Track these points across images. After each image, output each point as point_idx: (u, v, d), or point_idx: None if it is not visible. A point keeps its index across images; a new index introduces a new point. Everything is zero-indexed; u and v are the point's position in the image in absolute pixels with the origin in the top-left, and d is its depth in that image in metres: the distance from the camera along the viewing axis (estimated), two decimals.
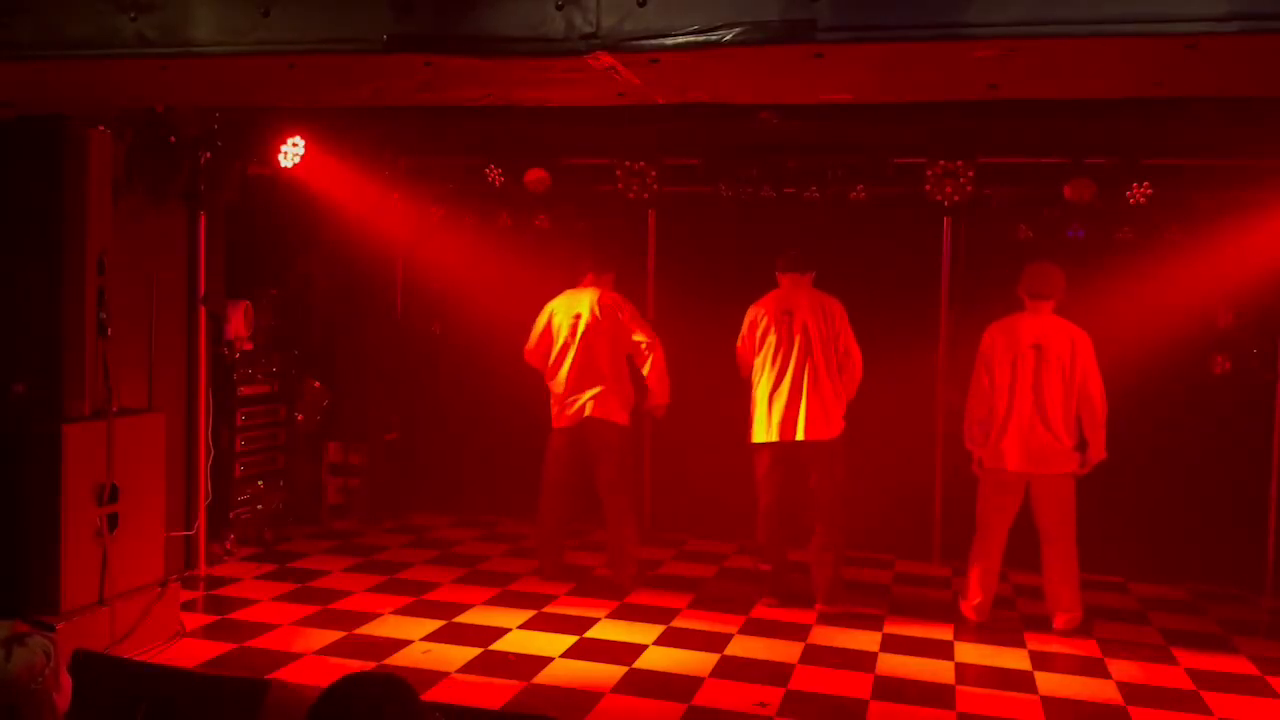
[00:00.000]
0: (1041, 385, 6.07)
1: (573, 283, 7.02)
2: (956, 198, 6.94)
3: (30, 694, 2.48)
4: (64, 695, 2.61)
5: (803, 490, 6.50)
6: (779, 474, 6.50)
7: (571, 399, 6.82)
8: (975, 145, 6.93)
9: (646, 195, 7.50)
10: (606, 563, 7.11)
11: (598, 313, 6.80)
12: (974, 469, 6.29)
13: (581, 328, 6.80)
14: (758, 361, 6.50)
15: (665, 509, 7.59)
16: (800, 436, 6.35)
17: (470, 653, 5.61)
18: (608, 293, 6.91)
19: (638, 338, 6.81)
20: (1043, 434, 6.05)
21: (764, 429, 6.44)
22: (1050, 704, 5.18)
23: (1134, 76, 3.92)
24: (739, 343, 6.61)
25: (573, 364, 6.80)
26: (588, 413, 6.77)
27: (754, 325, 6.54)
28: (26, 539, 5.13)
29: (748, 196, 7.32)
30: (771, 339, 6.46)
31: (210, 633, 5.84)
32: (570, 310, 6.87)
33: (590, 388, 6.77)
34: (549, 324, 6.92)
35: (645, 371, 6.83)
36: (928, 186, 6.94)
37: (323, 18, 3.63)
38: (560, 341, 6.85)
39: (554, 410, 6.91)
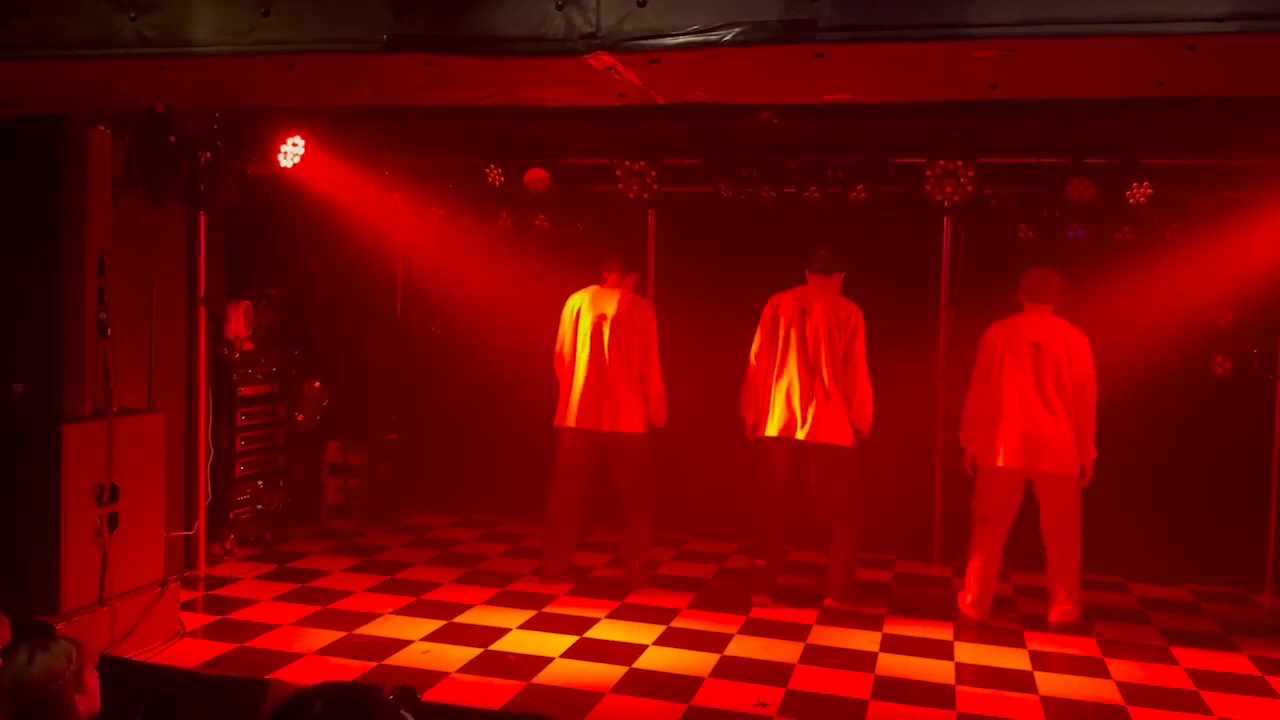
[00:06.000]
0: (1041, 383, 6.08)
1: (584, 280, 6.95)
2: (956, 198, 6.93)
3: (49, 696, 2.54)
4: (91, 697, 2.67)
5: (809, 490, 6.50)
6: (780, 470, 6.49)
7: (587, 401, 6.72)
8: (975, 145, 6.91)
9: (646, 195, 7.47)
10: (616, 561, 7.09)
11: (621, 316, 6.72)
12: (966, 467, 6.31)
13: (606, 329, 6.70)
14: (773, 353, 6.47)
15: (665, 509, 7.58)
16: (802, 436, 6.35)
17: (470, 653, 5.61)
18: (629, 295, 6.83)
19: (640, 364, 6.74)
20: (1042, 431, 6.06)
21: (769, 423, 6.44)
22: (1050, 704, 5.18)
23: (1134, 76, 3.92)
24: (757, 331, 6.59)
25: (591, 365, 6.72)
26: (603, 426, 6.69)
27: (768, 315, 6.53)
28: (26, 539, 5.13)
29: (748, 196, 7.30)
30: (781, 333, 6.46)
31: (210, 633, 5.84)
32: (594, 309, 6.79)
33: (606, 396, 6.69)
34: (575, 321, 6.82)
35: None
36: (928, 186, 6.93)
37: (323, 18, 3.62)
38: (582, 338, 6.76)
39: (567, 408, 6.81)
